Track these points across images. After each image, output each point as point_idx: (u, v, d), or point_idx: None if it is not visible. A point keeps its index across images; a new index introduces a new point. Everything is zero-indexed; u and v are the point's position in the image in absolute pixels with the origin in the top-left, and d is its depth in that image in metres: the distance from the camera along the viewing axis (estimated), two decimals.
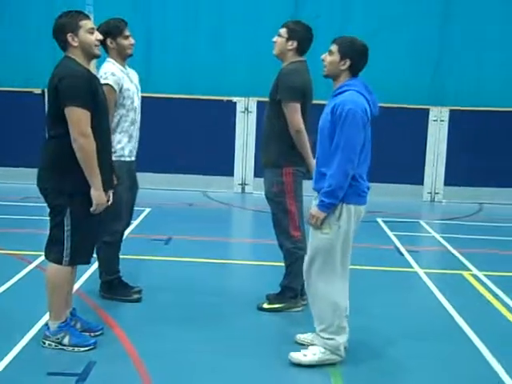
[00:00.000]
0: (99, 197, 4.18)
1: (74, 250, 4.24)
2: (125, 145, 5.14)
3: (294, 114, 4.91)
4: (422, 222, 8.96)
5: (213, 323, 5.01)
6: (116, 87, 5.02)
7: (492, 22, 10.45)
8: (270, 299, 5.27)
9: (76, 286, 5.19)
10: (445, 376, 4.28)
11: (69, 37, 4.14)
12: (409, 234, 8.26)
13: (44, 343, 4.41)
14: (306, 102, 5.00)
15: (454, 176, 10.51)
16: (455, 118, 10.43)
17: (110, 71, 5.04)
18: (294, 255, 5.10)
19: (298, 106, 4.92)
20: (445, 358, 4.53)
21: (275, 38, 5.06)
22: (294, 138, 4.94)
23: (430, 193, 10.63)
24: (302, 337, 4.57)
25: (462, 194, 10.54)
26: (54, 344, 4.38)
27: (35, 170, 4.33)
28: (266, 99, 9.99)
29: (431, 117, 10.47)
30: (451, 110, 10.45)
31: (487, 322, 5.23)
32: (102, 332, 4.62)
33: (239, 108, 10.55)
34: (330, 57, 4.10)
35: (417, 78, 10.49)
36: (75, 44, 4.16)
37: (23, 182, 10.04)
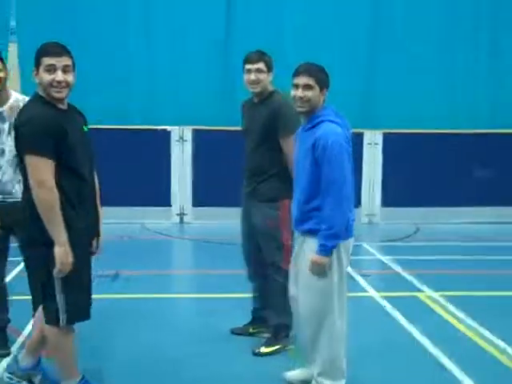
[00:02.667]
0: (63, 254, 3.66)
1: (71, 307, 3.79)
2: None
3: (292, 147, 4.68)
4: (364, 245, 8.98)
5: (181, 365, 4.77)
6: None
7: (423, 44, 10.73)
8: (267, 342, 5.05)
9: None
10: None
11: (33, 71, 3.75)
12: (355, 257, 8.21)
13: None
14: None
15: (390, 197, 10.64)
16: (389, 141, 10.59)
17: None
18: (284, 289, 4.74)
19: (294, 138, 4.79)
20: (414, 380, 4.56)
21: (254, 76, 4.85)
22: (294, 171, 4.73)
23: (368, 215, 10.71)
24: (292, 374, 4.41)
25: (398, 215, 10.65)
26: None
27: None
28: (201, 127, 10.07)
29: (365, 140, 10.59)
30: (384, 134, 10.61)
31: (450, 341, 5.26)
32: None
33: (174, 137, 10.36)
34: (311, 92, 3.88)
35: (350, 102, 10.59)
36: (37, 80, 3.75)
37: None
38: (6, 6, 10.18)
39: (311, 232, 3.94)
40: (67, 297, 3.77)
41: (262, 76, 4.86)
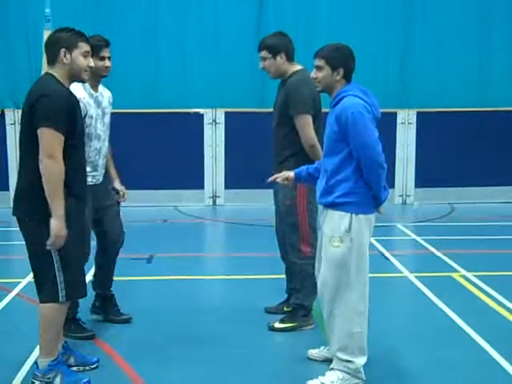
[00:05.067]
0: (58, 228, 3.76)
1: (70, 284, 3.88)
2: (88, 173, 4.64)
3: (307, 127, 4.74)
4: (399, 226, 8.92)
5: (215, 343, 4.83)
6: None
7: (452, 23, 10.55)
8: (283, 318, 5.08)
9: None
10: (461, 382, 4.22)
11: (61, 51, 3.87)
12: (389, 238, 8.22)
13: (33, 383, 4.02)
14: (316, 113, 4.83)
15: (424, 178, 10.54)
16: (423, 120, 10.46)
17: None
18: (304, 271, 4.90)
19: (309, 118, 4.75)
20: (456, 364, 4.46)
21: (261, 64, 4.93)
22: (309, 152, 4.75)
23: (402, 195, 10.62)
24: (314, 352, 4.44)
25: (432, 196, 10.56)
26: None
27: None
28: (234, 110, 10.08)
29: (399, 119, 10.48)
30: (418, 113, 10.48)
31: (488, 323, 5.17)
32: (97, 365, 4.34)
33: (206, 120, 10.38)
34: (321, 73, 3.99)
35: (383, 81, 10.47)
36: (66, 61, 3.89)
37: None
38: None
39: (333, 205, 3.96)
40: (66, 273, 3.87)
41: (267, 62, 4.88)
